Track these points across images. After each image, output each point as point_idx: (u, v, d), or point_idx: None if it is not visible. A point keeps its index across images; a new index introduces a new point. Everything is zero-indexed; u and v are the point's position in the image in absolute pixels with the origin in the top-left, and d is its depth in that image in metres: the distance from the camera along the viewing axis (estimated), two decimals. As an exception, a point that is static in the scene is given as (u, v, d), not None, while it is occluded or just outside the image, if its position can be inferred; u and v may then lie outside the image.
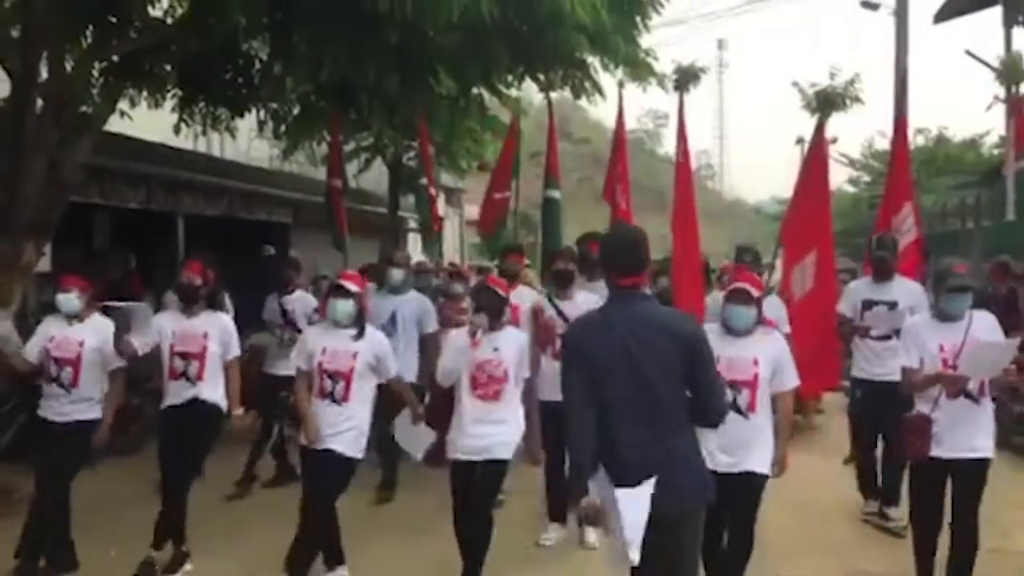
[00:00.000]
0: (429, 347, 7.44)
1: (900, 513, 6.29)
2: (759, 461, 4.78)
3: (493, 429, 5.26)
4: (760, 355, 4.80)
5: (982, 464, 4.87)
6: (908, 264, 7.27)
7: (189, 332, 5.72)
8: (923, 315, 5.02)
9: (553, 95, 10.75)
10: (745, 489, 4.77)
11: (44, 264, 8.27)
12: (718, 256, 14.67)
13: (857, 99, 7.91)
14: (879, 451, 6.93)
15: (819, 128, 7.84)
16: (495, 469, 5.35)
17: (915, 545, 4.99)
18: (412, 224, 14.54)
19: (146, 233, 11.88)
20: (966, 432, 4.79)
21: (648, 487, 3.57)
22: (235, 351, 5.92)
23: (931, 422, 4.75)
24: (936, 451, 4.79)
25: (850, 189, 30.70)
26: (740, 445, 4.74)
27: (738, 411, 4.72)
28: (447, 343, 5.57)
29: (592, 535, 6.15)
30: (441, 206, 18.78)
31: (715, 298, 6.64)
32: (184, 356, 5.69)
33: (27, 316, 7.71)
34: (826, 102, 7.93)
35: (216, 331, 5.77)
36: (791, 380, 4.94)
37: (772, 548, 5.09)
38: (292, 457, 7.74)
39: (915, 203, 8.02)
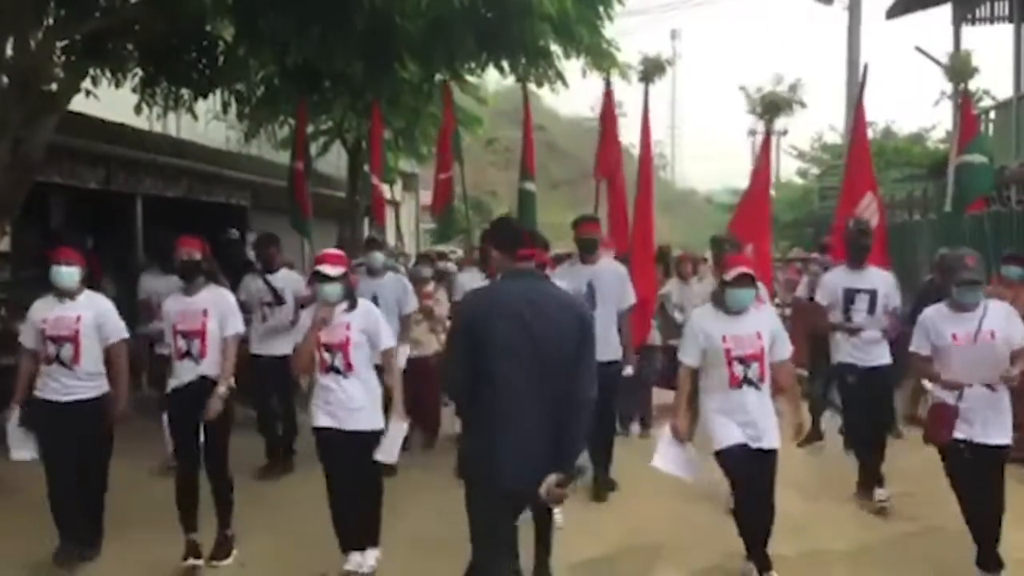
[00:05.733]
0: (406, 328, 7.50)
1: (884, 493, 6.66)
2: (772, 437, 5.10)
3: None
4: (761, 329, 5.14)
5: (1005, 450, 5.18)
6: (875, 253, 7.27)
7: (189, 310, 5.62)
8: (937, 305, 5.26)
9: (505, 83, 10.80)
10: (764, 465, 5.08)
11: (3, 244, 8.18)
12: (671, 245, 14.83)
13: (800, 103, 8.36)
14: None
15: (766, 139, 8.40)
16: None
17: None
18: (370, 208, 14.56)
19: (104, 214, 11.74)
20: (992, 417, 5.08)
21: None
22: (234, 328, 5.72)
23: (956, 411, 5.03)
24: (969, 436, 5.04)
25: (799, 181, 31.18)
26: (757, 418, 5.06)
27: (750, 383, 5.06)
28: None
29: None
30: (398, 192, 18.76)
31: (708, 284, 6.84)
32: (186, 335, 5.59)
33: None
34: (771, 106, 8.32)
35: (215, 308, 5.63)
36: (787, 350, 5.27)
37: (728, 527, 5.27)
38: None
39: (877, 193, 8.20)
